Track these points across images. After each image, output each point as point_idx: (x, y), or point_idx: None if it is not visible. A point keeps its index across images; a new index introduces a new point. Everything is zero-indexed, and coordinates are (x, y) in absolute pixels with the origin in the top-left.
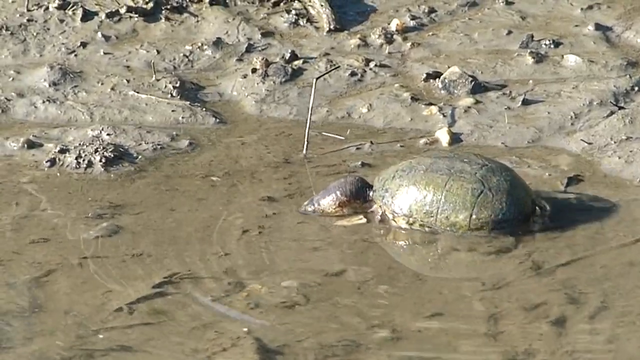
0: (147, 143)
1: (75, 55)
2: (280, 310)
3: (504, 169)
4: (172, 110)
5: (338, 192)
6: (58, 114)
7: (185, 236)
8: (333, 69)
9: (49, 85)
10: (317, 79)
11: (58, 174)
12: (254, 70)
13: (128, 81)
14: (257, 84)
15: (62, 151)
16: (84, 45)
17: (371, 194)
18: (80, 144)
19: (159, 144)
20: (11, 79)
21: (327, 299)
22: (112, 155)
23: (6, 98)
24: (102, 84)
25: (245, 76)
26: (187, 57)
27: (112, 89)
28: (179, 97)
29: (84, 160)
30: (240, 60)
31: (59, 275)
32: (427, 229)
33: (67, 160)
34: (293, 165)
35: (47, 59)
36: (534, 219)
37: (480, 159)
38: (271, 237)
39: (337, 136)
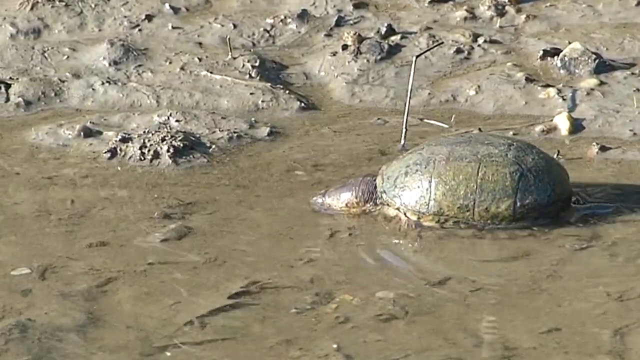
0: (222, 131)
1: (140, 30)
2: (374, 325)
3: (530, 146)
4: (251, 93)
5: (349, 193)
6: (119, 97)
7: (266, 239)
8: (436, 46)
9: (109, 65)
10: (417, 57)
11: (119, 167)
12: (344, 47)
13: (200, 60)
14: (348, 62)
15: (124, 140)
16: (149, 18)
17: (381, 196)
18: (144, 132)
19: (235, 132)
20: (66, 57)
21: (428, 311)
22: (182, 145)
23: (60, 79)
24: (170, 62)
25: (334, 54)
26: (267, 32)
27: (182, 68)
28: (258, 78)
29: (149, 151)
30: (329, 35)
31: (120, 284)
32: (462, 225)
33: (130, 151)
34: (389, 158)
35: (107, 34)
36: (575, 203)
37: (500, 138)
38: (364, 241)
39: (440, 123)
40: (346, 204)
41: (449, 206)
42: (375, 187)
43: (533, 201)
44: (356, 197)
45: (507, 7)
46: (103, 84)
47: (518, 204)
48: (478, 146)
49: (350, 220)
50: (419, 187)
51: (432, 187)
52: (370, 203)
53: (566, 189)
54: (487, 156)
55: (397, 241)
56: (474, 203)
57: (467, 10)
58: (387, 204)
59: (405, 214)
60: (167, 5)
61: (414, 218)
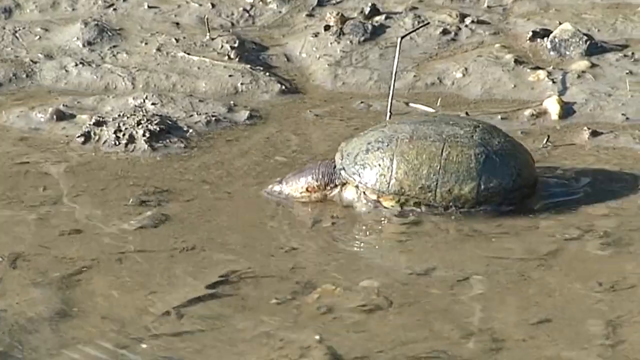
0: (200, 114)
1: (114, 10)
2: (357, 316)
3: (496, 129)
4: (230, 76)
5: (309, 177)
6: (93, 79)
7: (245, 227)
8: (421, 26)
9: (83, 45)
10: (402, 38)
11: (93, 152)
12: (327, 28)
13: (177, 40)
14: (331, 44)
15: (99, 124)
16: None
17: (339, 173)
18: (119, 116)
19: (213, 116)
20: (38, 37)
21: (414, 302)
22: (158, 129)
23: (32, 60)
24: (146, 43)
25: (316, 34)
26: (247, 11)
27: (158, 49)
28: (237, 59)
29: (124, 135)
30: (310, 15)
31: (95, 273)
32: (423, 207)
33: (104, 135)
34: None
35: (81, 14)
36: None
37: (466, 119)
38: (347, 229)
39: (426, 107)
40: (307, 189)
41: (410, 186)
42: (335, 167)
43: (498, 185)
44: (317, 181)
45: None
46: (76, 65)
47: (482, 187)
48: (443, 126)
49: (332, 208)
50: (380, 165)
51: (394, 165)
52: (331, 185)
53: (532, 174)
54: (452, 136)
55: (382, 230)
56: (437, 184)
57: None
58: (346, 182)
59: (364, 192)
60: None
61: (374, 197)
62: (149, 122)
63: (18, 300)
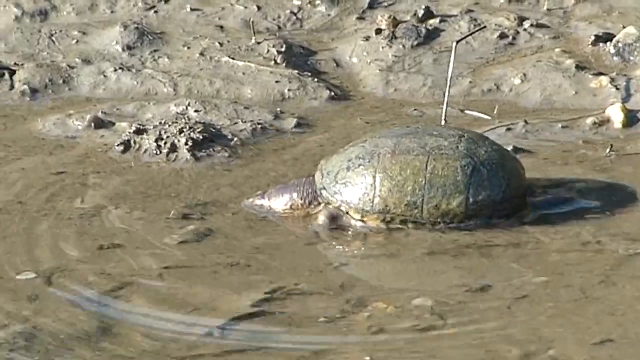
0: (245, 122)
1: (155, 12)
2: (410, 335)
3: (482, 138)
4: (276, 81)
5: (294, 194)
6: (133, 85)
7: (293, 242)
8: (477, 30)
9: (122, 50)
10: (457, 42)
11: (133, 161)
12: (378, 31)
13: (221, 44)
14: (382, 48)
15: (139, 132)
16: None
17: (320, 193)
18: (160, 123)
19: (259, 124)
20: (75, 41)
21: (469, 321)
22: (201, 138)
23: (69, 65)
24: (188, 47)
25: (367, 38)
26: (294, 14)
27: (201, 54)
28: (284, 64)
29: (165, 144)
30: (361, 18)
31: (134, 289)
32: (410, 225)
33: (145, 144)
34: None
35: (120, 17)
36: (532, 201)
37: (450, 129)
38: (400, 245)
39: (482, 115)
40: (290, 206)
41: (395, 203)
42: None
43: (487, 197)
44: (301, 198)
45: None
46: (115, 70)
47: (470, 200)
48: (426, 138)
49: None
50: (362, 182)
51: (377, 182)
52: (314, 203)
53: (522, 184)
54: (436, 149)
55: (436, 246)
56: (423, 199)
57: None
58: (327, 202)
59: (347, 212)
60: None
61: (357, 217)
62: (191, 130)
63: (54, 319)
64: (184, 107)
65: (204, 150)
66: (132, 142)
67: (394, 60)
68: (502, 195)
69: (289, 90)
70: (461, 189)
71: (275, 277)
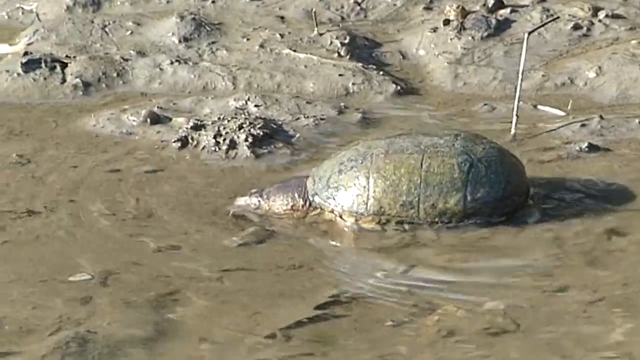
0: (307, 117)
1: (213, 2)
2: (481, 339)
3: (478, 136)
4: (339, 75)
5: (296, 194)
6: (190, 78)
7: (357, 244)
8: (550, 21)
9: (179, 41)
10: (529, 33)
11: (190, 159)
12: (446, 22)
13: (282, 36)
14: (451, 39)
15: (196, 128)
16: None
17: (313, 199)
18: (219, 119)
19: (321, 119)
20: (129, 32)
21: (544, 325)
22: (262, 134)
23: (123, 58)
24: (247, 39)
25: (435, 29)
26: (358, 4)
27: (261, 46)
28: (347, 57)
29: (224, 140)
30: (428, 8)
31: (192, 292)
32: (406, 226)
33: (203, 140)
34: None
35: (176, 7)
36: (532, 199)
37: (446, 130)
38: (470, 246)
39: (555, 110)
40: (292, 207)
41: (390, 204)
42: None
43: (486, 194)
44: (303, 199)
45: None
46: (172, 63)
47: (469, 198)
48: (420, 137)
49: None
50: (355, 184)
51: (371, 183)
52: (314, 205)
53: (523, 181)
54: (431, 147)
55: (508, 247)
56: (419, 199)
57: None
58: (321, 208)
59: (341, 216)
60: None
61: (351, 220)
62: (251, 125)
63: (109, 321)
64: (244, 102)
65: (264, 147)
66: (189, 138)
67: (462, 52)
68: (502, 192)
69: (353, 84)
70: (458, 186)
71: (339, 280)
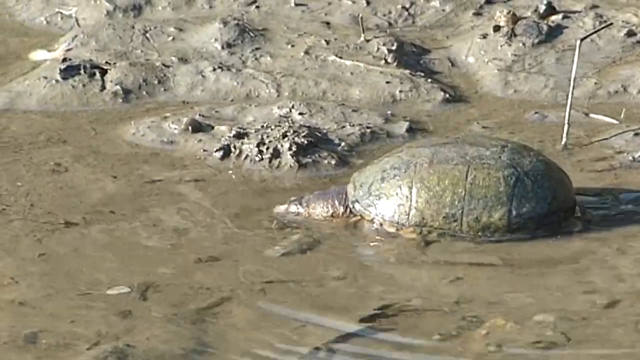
0: (353, 126)
1: (257, 7)
2: (531, 353)
3: (526, 147)
4: (387, 82)
5: (336, 201)
6: (233, 85)
7: (403, 254)
8: (603, 27)
9: (222, 48)
10: (581, 40)
11: (233, 168)
12: (496, 28)
13: (327, 42)
14: (501, 46)
15: (239, 136)
16: None
17: (353, 206)
18: (263, 127)
19: (368, 128)
20: (171, 38)
21: (595, 338)
22: (306, 142)
23: (164, 64)
24: (292, 45)
25: (484, 36)
26: (406, 9)
27: (306, 52)
28: (395, 63)
29: (268, 149)
30: (478, 14)
31: (234, 305)
32: (448, 239)
33: (246, 149)
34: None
35: (219, 12)
36: (579, 212)
37: (492, 139)
38: (517, 259)
39: (608, 119)
40: (332, 214)
41: (432, 216)
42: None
43: (531, 210)
44: (343, 206)
45: None
46: (214, 70)
47: (514, 212)
48: (466, 147)
49: None
50: (397, 194)
51: (413, 194)
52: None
53: (569, 196)
54: (477, 158)
55: (556, 255)
56: (462, 212)
57: None
58: (361, 215)
59: (381, 225)
60: None
61: (392, 230)
62: (295, 134)
63: (148, 336)
64: (288, 110)
65: (309, 156)
66: (232, 147)
67: (513, 59)
68: (548, 208)
69: (400, 91)
70: (504, 200)
71: (385, 292)
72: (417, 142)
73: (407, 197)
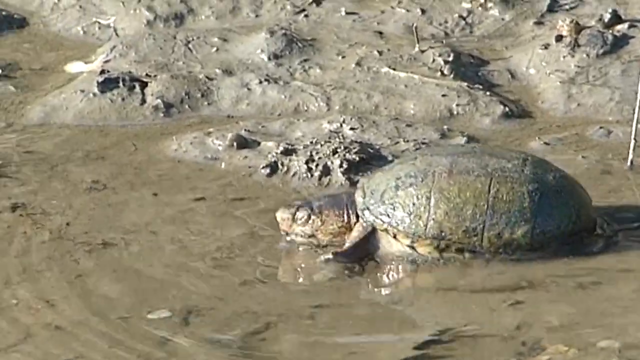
0: (407, 141)
1: (306, 16)
2: None
3: (545, 162)
4: (443, 95)
5: (350, 210)
6: (281, 99)
7: (459, 277)
8: None
9: (269, 59)
10: None
11: (281, 185)
12: (559, 38)
13: (380, 53)
14: (564, 57)
15: (287, 152)
16: (317, 1)
17: (363, 214)
18: (312, 143)
19: (423, 143)
20: (215, 49)
21: None
22: (358, 159)
23: (207, 77)
24: (343, 57)
25: (546, 46)
26: (463, 18)
27: (358, 64)
28: (451, 75)
29: (317, 166)
30: (539, 23)
31: (282, 330)
32: (466, 254)
33: (294, 166)
34: (613, 178)
35: (265, 21)
36: (599, 230)
37: (512, 152)
38: (583, 280)
39: None
40: (346, 223)
41: (451, 229)
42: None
43: (556, 228)
44: (354, 214)
45: None
46: (260, 82)
47: (537, 230)
48: (486, 158)
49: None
50: (414, 203)
51: (432, 204)
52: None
53: (591, 215)
54: (499, 170)
55: (623, 276)
56: (484, 226)
57: None
58: (372, 224)
59: (395, 236)
60: None
61: (407, 242)
62: (346, 150)
63: None
64: (338, 125)
65: (360, 174)
66: (279, 164)
67: (576, 71)
68: (572, 226)
69: (457, 105)
70: (528, 217)
71: (441, 317)
72: (431, 150)
73: (424, 207)
